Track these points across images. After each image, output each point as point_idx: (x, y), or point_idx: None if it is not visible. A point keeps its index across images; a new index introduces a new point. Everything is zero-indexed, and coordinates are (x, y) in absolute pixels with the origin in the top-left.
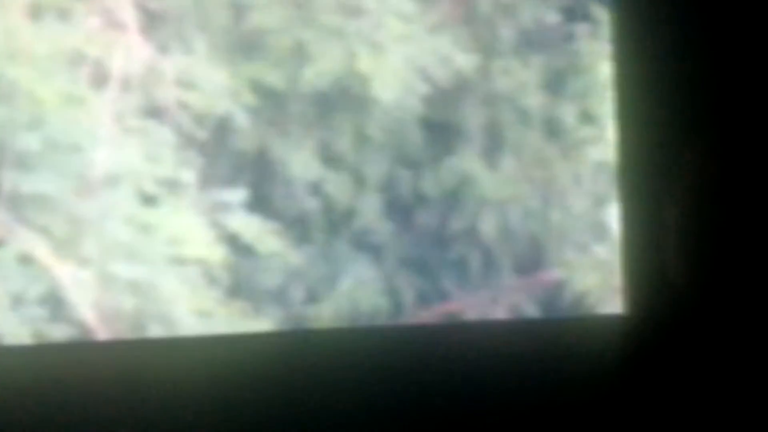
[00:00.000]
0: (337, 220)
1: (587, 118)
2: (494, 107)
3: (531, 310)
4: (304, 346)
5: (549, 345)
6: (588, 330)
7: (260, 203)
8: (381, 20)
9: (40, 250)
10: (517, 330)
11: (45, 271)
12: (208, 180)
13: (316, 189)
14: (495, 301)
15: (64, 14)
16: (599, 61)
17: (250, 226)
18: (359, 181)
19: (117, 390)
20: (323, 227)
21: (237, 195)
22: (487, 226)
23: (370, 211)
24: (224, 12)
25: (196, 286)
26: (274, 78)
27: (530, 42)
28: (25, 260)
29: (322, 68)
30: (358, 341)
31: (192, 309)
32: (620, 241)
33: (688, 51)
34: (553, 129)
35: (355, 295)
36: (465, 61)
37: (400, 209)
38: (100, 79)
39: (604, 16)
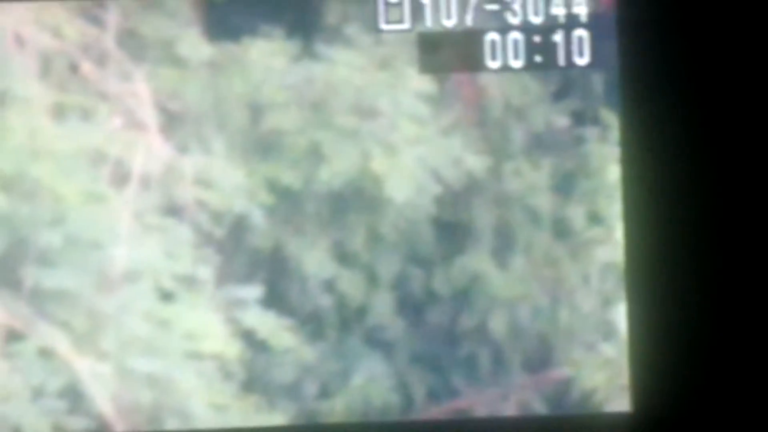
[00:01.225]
0: (350, 317)
1: (595, 219)
2: (505, 208)
3: (540, 406)
4: None
5: None
6: (595, 427)
7: (275, 300)
8: (395, 122)
9: (60, 344)
10: (526, 427)
11: (65, 364)
12: (225, 277)
13: (329, 286)
14: (504, 398)
15: (86, 114)
16: (608, 163)
17: (265, 322)
18: (372, 278)
19: None
20: (336, 324)
21: (253, 292)
22: (497, 324)
23: (383, 308)
24: (242, 113)
25: (212, 380)
26: (289, 178)
27: (540, 144)
28: (46, 354)
29: (337, 168)
30: None
31: (208, 403)
32: (627, 339)
33: (694, 154)
34: (562, 229)
35: (367, 390)
36: (476, 162)
37: (411, 307)
38: (120, 177)
39: (613, 120)
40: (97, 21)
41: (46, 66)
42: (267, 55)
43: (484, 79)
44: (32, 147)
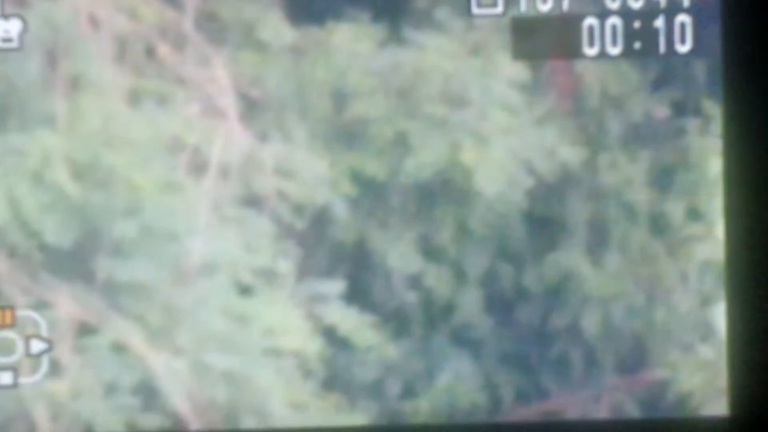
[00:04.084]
0: (436, 314)
1: (695, 215)
2: (600, 202)
3: (633, 410)
4: None
5: None
6: (692, 431)
7: (358, 295)
8: (486, 111)
9: (135, 338)
10: (620, 430)
11: (139, 360)
12: (306, 271)
13: (415, 282)
14: (596, 400)
15: (163, 100)
16: (709, 157)
17: (347, 319)
18: (459, 274)
19: None
20: (421, 321)
21: (334, 287)
22: (590, 324)
23: (470, 305)
24: (325, 101)
25: (291, 378)
26: (374, 168)
27: (638, 136)
28: (119, 348)
29: (424, 159)
30: None
31: (287, 401)
32: (726, 340)
33: None
34: (659, 225)
35: (453, 390)
36: (571, 154)
37: (500, 304)
38: (198, 166)
39: (715, 111)
40: (174, 3)
41: (121, 49)
42: (352, 39)
43: (580, 66)
44: (107, 134)
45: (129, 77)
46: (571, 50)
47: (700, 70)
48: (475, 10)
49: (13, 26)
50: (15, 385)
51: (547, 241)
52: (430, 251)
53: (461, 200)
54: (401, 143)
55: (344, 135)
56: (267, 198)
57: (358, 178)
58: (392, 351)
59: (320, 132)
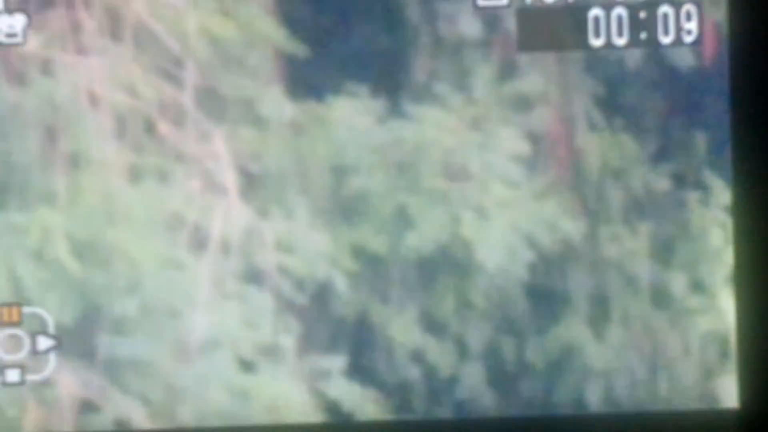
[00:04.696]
0: (439, 388)
1: (697, 286)
2: (601, 275)
3: None
4: None
5: None
6: None
7: (360, 370)
8: (486, 185)
9: (136, 415)
10: (635, 424)
11: None
12: (308, 346)
13: (417, 356)
14: None
15: (163, 177)
16: (711, 228)
17: (350, 394)
18: (462, 348)
19: None
20: (425, 396)
21: (337, 362)
22: (593, 397)
23: (473, 379)
24: (326, 175)
25: None
26: (375, 243)
27: (639, 209)
28: (121, 425)
29: (425, 233)
30: None
31: None
32: (735, 332)
33: None
34: (661, 298)
35: None
36: (571, 227)
37: (503, 378)
38: (199, 242)
39: (716, 182)
40: (174, 79)
41: (121, 126)
42: (352, 114)
43: (579, 139)
44: (107, 210)
45: (129, 154)
46: (577, 41)
47: (702, 141)
48: (480, 1)
49: (18, 21)
50: (22, 383)
51: (548, 314)
52: (432, 325)
53: (462, 274)
54: (402, 217)
55: (345, 210)
56: (268, 273)
57: (359, 252)
58: (395, 426)
59: (320, 207)
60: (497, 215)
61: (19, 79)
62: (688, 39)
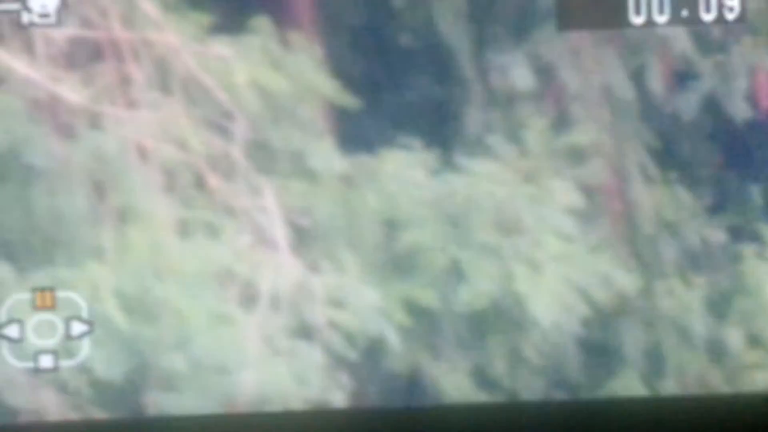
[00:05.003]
0: None
1: (754, 341)
2: (656, 329)
3: None
4: None
5: None
6: None
7: (412, 426)
8: (539, 239)
9: None
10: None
11: None
12: (359, 402)
13: (470, 412)
14: None
15: (213, 231)
16: (767, 281)
17: None
18: (515, 404)
19: None
20: None
21: (389, 418)
22: None
23: None
24: (377, 229)
25: None
26: (427, 297)
27: (694, 262)
28: None
29: (478, 288)
30: None
31: None
32: None
33: None
34: (717, 353)
35: None
36: (626, 281)
37: None
38: (248, 298)
39: None
40: (224, 132)
41: (170, 180)
42: (404, 167)
43: (633, 192)
44: (156, 266)
45: (178, 208)
46: (618, 19)
47: (757, 193)
48: None
49: (51, 1)
50: (56, 369)
51: (603, 369)
52: (484, 381)
53: (515, 328)
54: (454, 271)
55: (396, 264)
56: (318, 328)
57: (411, 307)
58: None
59: (372, 261)
60: (551, 269)
61: (67, 133)
62: (731, 16)
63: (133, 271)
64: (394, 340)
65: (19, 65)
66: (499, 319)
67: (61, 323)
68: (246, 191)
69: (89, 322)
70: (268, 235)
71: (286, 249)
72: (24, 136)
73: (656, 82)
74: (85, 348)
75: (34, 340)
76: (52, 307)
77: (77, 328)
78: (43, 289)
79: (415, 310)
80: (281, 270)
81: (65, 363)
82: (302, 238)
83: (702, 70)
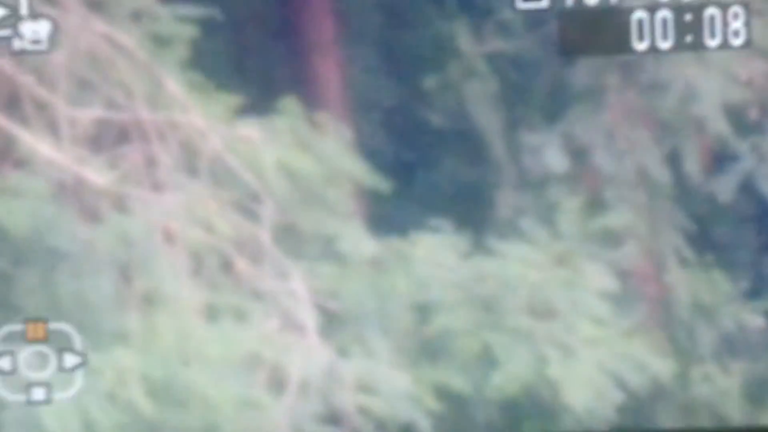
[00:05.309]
0: None
1: None
2: (693, 417)
3: None
4: None
5: None
6: None
7: None
8: (573, 323)
9: None
10: None
11: None
12: None
13: None
14: None
15: (240, 316)
16: None
17: None
18: None
19: None
20: None
21: None
22: None
23: None
24: (407, 314)
25: None
26: (459, 383)
27: (732, 347)
28: None
29: (511, 373)
30: None
31: None
32: None
33: None
34: None
35: None
36: (662, 367)
37: None
38: (277, 383)
39: None
40: (251, 215)
41: (197, 263)
42: (435, 250)
43: (669, 275)
44: (182, 350)
45: (205, 292)
46: (621, 45)
47: None
48: (519, 4)
49: (42, 27)
50: (48, 401)
51: None
52: None
53: (549, 415)
54: (486, 356)
55: (427, 349)
56: (349, 415)
57: (442, 393)
58: None
59: (402, 346)
60: (584, 354)
61: (92, 216)
62: (736, 42)
63: (160, 357)
64: (425, 426)
65: (43, 147)
66: (531, 405)
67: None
68: (274, 275)
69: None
70: (296, 319)
71: (315, 333)
72: (48, 219)
73: (692, 164)
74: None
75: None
76: (44, 340)
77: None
78: (35, 321)
79: (446, 395)
80: (310, 355)
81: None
82: (331, 322)
83: (739, 151)
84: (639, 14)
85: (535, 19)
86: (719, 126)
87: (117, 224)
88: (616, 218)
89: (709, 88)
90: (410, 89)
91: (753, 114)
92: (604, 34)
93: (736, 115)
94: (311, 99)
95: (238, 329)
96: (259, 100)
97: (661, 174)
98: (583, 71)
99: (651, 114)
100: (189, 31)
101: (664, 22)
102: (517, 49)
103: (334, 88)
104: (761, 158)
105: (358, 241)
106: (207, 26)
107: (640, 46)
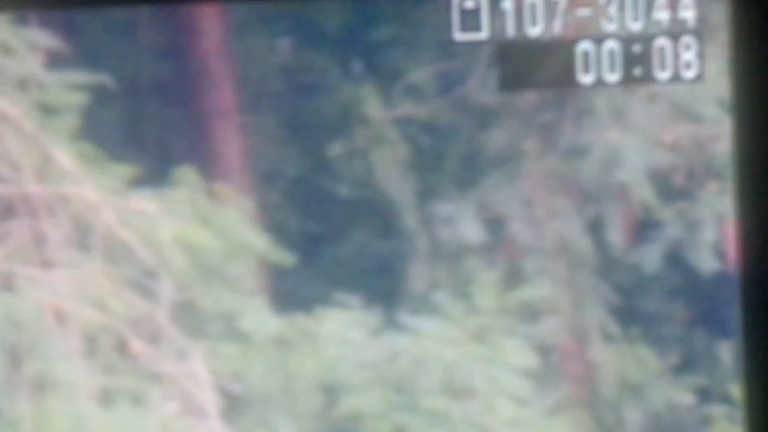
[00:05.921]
0: None
1: None
2: None
3: None
4: None
5: None
6: None
7: None
8: (491, 403)
9: None
10: None
11: None
12: None
13: None
14: None
15: (138, 400)
16: None
17: None
18: None
19: None
20: None
21: None
22: None
23: None
24: (315, 395)
25: None
26: None
27: (660, 426)
28: None
29: None
30: None
31: None
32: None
33: None
34: None
35: None
36: None
37: None
38: None
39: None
40: (148, 293)
41: (90, 345)
42: (343, 327)
43: (593, 351)
44: None
45: (100, 375)
46: (565, 78)
47: (726, 352)
48: (457, 36)
49: None
50: None
51: None
52: None
53: None
54: None
55: None
56: None
57: None
58: None
59: (310, 429)
60: None
61: None
62: (688, 74)
63: None
64: None
65: None
66: None
67: None
68: (172, 356)
69: None
70: (197, 402)
71: (217, 417)
72: None
73: (615, 233)
74: None
75: None
76: None
77: None
78: None
79: None
80: None
81: None
82: (234, 405)
83: (665, 218)
84: (584, 45)
85: (449, 78)
86: (643, 192)
87: (4, 304)
88: (536, 291)
89: (631, 152)
90: (315, 158)
91: (679, 179)
92: (547, 66)
93: (660, 181)
94: (210, 169)
95: (136, 414)
96: (155, 171)
97: (583, 244)
98: (498, 136)
99: (571, 180)
100: (79, 99)
101: (612, 53)
102: (428, 113)
103: (234, 158)
104: (688, 226)
105: (262, 318)
106: (98, 94)
107: (586, 78)
